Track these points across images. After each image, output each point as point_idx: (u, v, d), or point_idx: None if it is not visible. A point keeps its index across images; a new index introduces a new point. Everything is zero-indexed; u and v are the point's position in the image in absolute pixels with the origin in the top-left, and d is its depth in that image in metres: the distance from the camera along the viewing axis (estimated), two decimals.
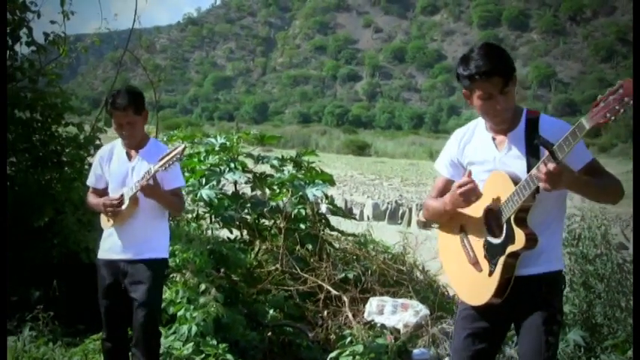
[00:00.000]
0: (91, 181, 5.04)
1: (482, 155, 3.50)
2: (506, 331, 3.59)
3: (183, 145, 4.50)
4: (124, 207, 4.67)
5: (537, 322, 3.35)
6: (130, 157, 4.79)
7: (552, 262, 3.43)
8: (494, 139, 3.46)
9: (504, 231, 3.33)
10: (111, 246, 4.82)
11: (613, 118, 2.78)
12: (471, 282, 3.53)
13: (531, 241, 3.27)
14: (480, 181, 3.44)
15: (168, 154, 4.42)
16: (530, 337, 3.38)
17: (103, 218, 4.89)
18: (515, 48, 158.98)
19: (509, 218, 3.30)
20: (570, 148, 2.95)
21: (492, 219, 3.41)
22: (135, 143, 4.77)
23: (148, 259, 4.70)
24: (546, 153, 3.07)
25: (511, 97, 3.31)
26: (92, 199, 4.97)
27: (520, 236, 3.26)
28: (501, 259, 3.33)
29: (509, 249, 3.30)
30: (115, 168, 4.84)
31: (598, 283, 6.04)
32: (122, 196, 4.69)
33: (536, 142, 3.19)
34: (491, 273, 3.38)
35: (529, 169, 3.24)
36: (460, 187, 3.40)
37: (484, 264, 3.43)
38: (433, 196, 3.76)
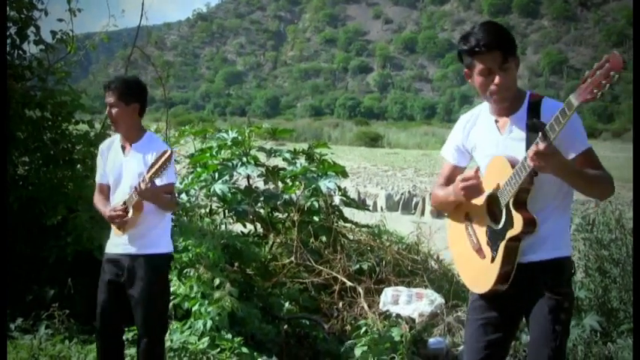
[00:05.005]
0: (97, 177, 5.01)
1: (485, 138, 3.49)
2: (519, 320, 3.53)
3: (169, 151, 4.33)
4: (129, 215, 4.61)
5: (544, 310, 3.30)
6: (124, 150, 4.75)
7: (558, 249, 3.37)
8: (496, 121, 3.44)
9: (504, 216, 3.31)
10: (115, 241, 4.78)
11: (600, 93, 2.76)
12: (475, 269, 3.51)
13: (529, 224, 3.23)
14: (483, 164, 3.47)
15: (156, 162, 4.31)
16: (537, 326, 3.33)
17: (114, 228, 4.81)
18: (526, 35, 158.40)
19: (507, 202, 3.27)
20: (561, 127, 2.92)
21: (495, 205, 3.39)
22: (123, 132, 4.73)
23: (150, 254, 4.66)
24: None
25: (511, 75, 3.28)
26: (98, 203, 4.92)
27: (518, 220, 3.23)
28: (502, 245, 3.31)
29: (509, 233, 3.27)
30: (111, 161, 4.80)
31: (613, 267, 6.01)
32: (125, 204, 4.62)
33: (530, 123, 3.21)
34: (493, 259, 3.36)
35: None
36: (464, 180, 3.38)
37: (487, 250, 3.42)
38: (440, 183, 3.75)
